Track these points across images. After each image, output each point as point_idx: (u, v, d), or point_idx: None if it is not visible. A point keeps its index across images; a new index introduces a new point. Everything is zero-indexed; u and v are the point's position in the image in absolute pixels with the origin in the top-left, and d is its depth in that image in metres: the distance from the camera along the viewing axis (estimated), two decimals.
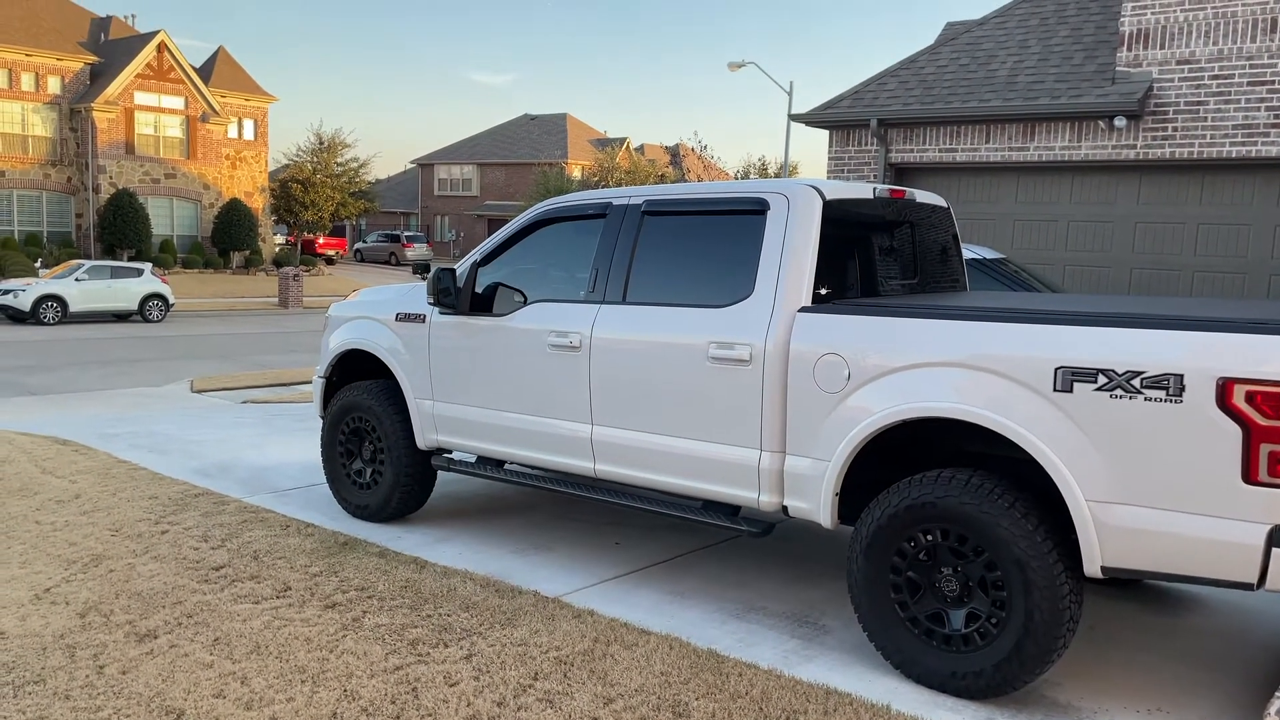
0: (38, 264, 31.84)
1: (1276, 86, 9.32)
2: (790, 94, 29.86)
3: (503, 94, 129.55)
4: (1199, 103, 9.71)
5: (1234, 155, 9.56)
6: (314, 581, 5.18)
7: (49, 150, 37.49)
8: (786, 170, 31.43)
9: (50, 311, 23.75)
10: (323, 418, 6.69)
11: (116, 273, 25.59)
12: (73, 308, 24.24)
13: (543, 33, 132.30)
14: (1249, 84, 9.45)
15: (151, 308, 25.61)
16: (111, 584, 5.10)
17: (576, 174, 54.32)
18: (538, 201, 6.68)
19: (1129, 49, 10.05)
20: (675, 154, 65.89)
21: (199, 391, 12.73)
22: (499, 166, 61.51)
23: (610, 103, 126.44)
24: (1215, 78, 9.63)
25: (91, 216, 37.56)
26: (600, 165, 50.63)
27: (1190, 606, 5.24)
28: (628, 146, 58.48)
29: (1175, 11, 9.78)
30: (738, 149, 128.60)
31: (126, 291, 25.29)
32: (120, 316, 25.53)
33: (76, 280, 24.58)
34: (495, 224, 55.28)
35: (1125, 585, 5.45)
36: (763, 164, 49.41)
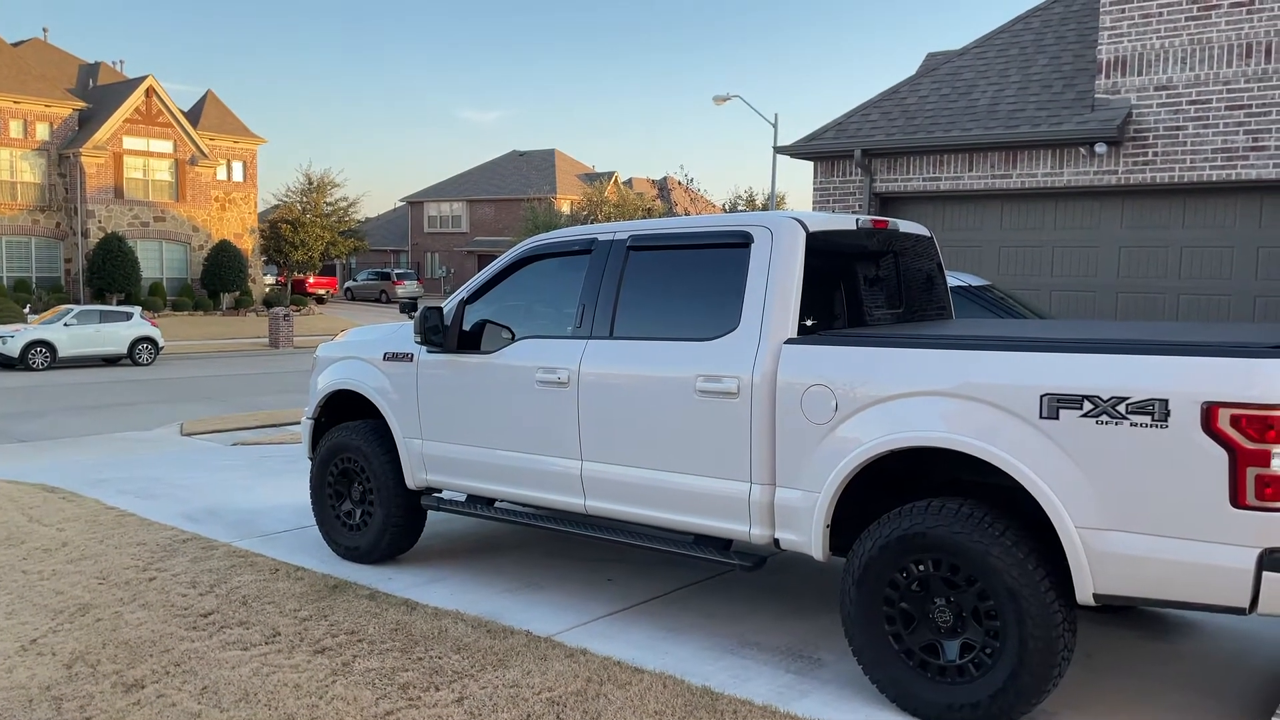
0: (26, 310, 31.76)
1: (1254, 110, 9.43)
2: (775, 126, 30.14)
3: (491, 131, 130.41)
4: (1178, 128, 9.82)
5: (1214, 179, 9.65)
6: (303, 626, 5.13)
7: (37, 196, 37.58)
8: (774, 202, 31.61)
9: (39, 357, 23.67)
10: (312, 459, 6.66)
11: (105, 317, 25.56)
12: (62, 353, 24.16)
13: (530, 70, 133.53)
14: (1227, 108, 9.56)
15: (141, 351, 25.54)
16: (99, 633, 5.04)
17: (565, 209, 54.56)
18: (527, 237, 6.72)
19: (1107, 76, 10.17)
20: (663, 187, 66.30)
21: (188, 434, 12.67)
22: (489, 203, 61.77)
23: (598, 137, 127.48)
24: (1193, 103, 9.74)
25: (80, 261, 37.59)
26: (589, 200, 50.89)
27: (1186, 632, 5.22)
28: (616, 180, 58.80)
29: (1152, 39, 9.92)
30: (725, 181, 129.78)
31: (115, 335, 25.23)
32: (110, 360, 25.45)
33: (65, 325, 24.52)
34: (485, 260, 55.40)
35: (1121, 612, 5.43)
36: (750, 196, 49.72)
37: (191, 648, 4.84)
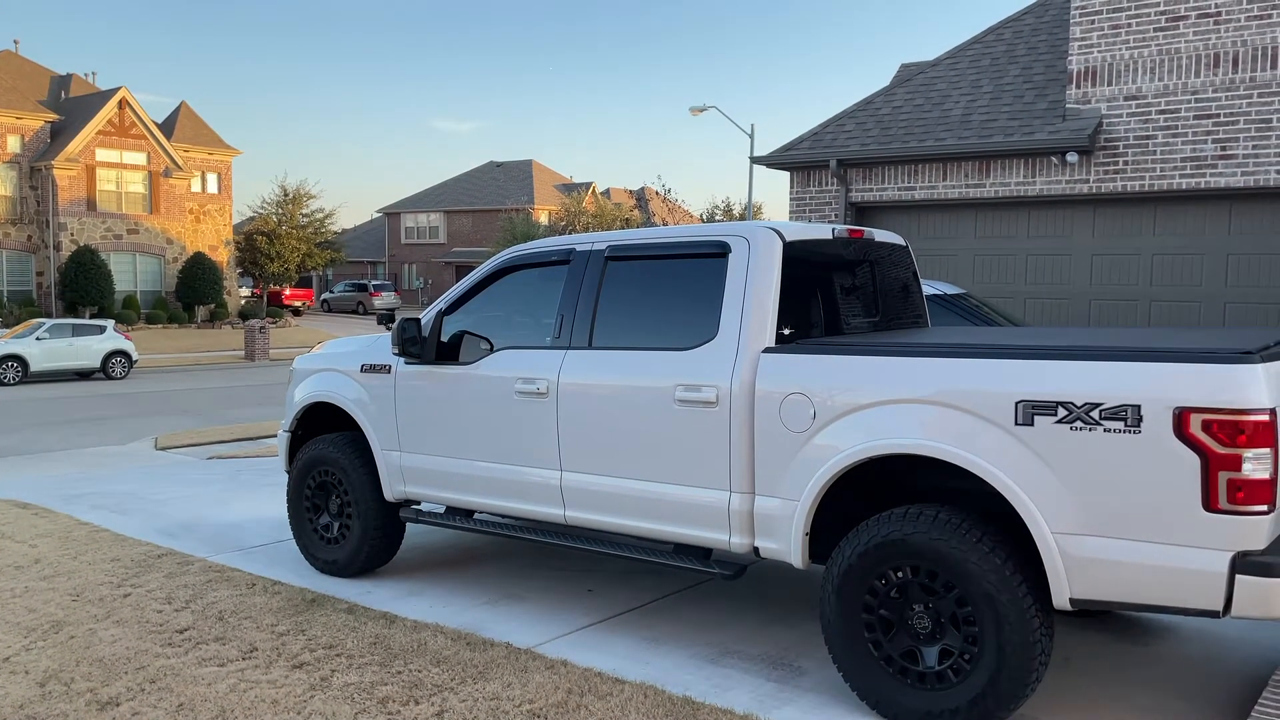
0: None
1: (1222, 119, 9.57)
2: (752, 136, 30.25)
3: (468, 141, 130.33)
4: (1148, 137, 9.95)
5: (1184, 187, 9.78)
6: (281, 641, 5.09)
7: (9, 209, 37.14)
8: (751, 212, 31.73)
9: (10, 372, 23.37)
10: (289, 472, 6.62)
11: (78, 330, 25.29)
12: (34, 367, 23.88)
13: (507, 81, 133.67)
14: (1195, 118, 9.70)
15: (115, 365, 25.29)
16: (72, 651, 4.97)
17: (543, 219, 54.50)
18: (506, 247, 6.70)
19: (1077, 86, 10.30)
20: (641, 197, 66.36)
21: (163, 449, 12.55)
22: (466, 214, 61.64)
23: (576, 148, 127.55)
24: (1162, 112, 9.87)
25: (53, 274, 37.16)
26: (567, 210, 50.84)
27: (1162, 635, 5.27)
28: (593, 191, 58.84)
29: (1121, 49, 10.05)
30: (703, 191, 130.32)
31: (88, 349, 24.96)
32: (83, 375, 25.18)
33: (37, 339, 24.23)
34: (463, 271, 55.27)
35: (1098, 616, 5.48)
36: (727, 205, 49.88)
37: (167, 664, 4.78)
